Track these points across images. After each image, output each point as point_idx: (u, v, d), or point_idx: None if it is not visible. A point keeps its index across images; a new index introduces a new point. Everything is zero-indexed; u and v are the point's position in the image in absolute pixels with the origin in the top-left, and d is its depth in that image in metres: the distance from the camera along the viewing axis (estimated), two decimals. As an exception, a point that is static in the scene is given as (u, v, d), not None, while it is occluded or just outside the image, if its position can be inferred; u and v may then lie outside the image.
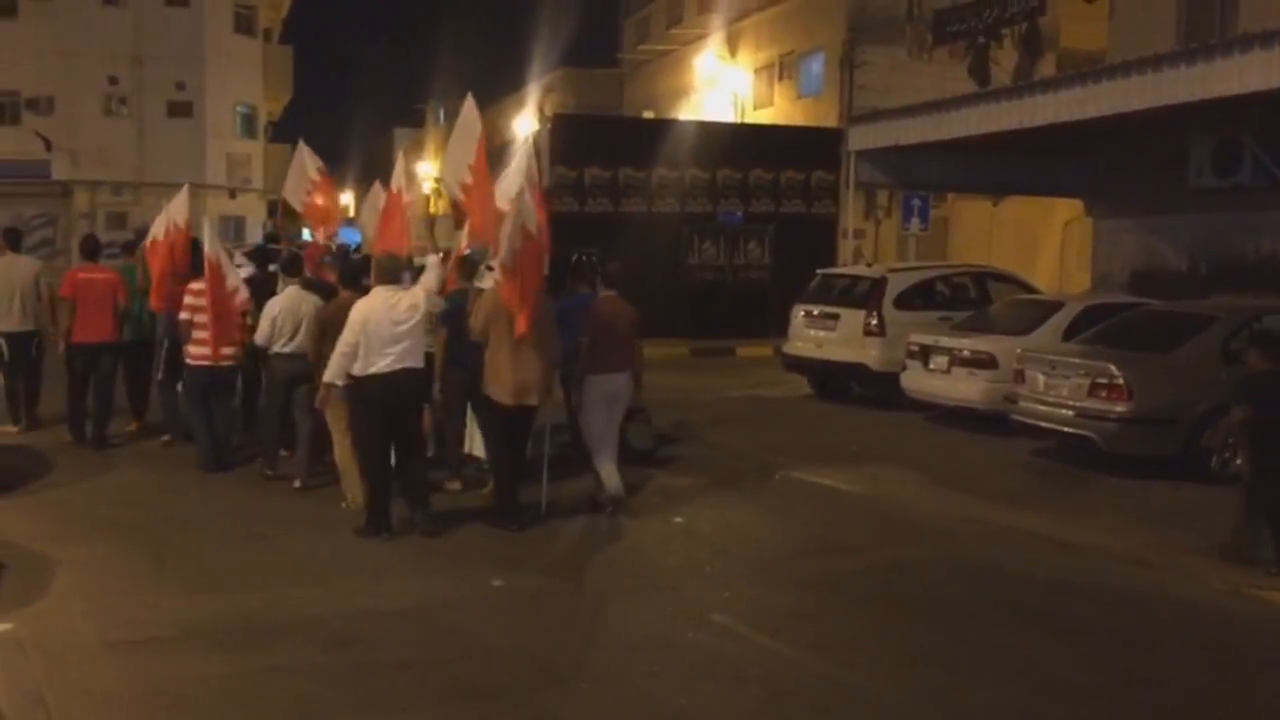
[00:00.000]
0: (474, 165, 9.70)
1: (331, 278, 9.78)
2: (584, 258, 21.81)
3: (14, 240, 11.82)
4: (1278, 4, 14.55)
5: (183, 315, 9.84)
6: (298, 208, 13.23)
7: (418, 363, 7.93)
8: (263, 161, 38.66)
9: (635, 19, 41.21)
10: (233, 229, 34.10)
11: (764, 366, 17.73)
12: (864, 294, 14.69)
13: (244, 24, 38.27)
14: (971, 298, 15.13)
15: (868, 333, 14.15)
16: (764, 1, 32.57)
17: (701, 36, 35.62)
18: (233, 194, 37.36)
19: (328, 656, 5.72)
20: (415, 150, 63.02)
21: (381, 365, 7.73)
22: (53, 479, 9.50)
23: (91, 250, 11.34)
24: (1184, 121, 14.72)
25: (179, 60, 35.85)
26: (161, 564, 7.29)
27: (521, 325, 7.90)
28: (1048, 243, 25.16)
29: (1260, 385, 7.56)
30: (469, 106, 10.22)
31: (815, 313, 15.05)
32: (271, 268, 10.43)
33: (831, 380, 15.16)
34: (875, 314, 14.18)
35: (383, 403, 7.83)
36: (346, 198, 70.96)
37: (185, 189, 11.32)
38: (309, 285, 9.64)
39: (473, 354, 8.36)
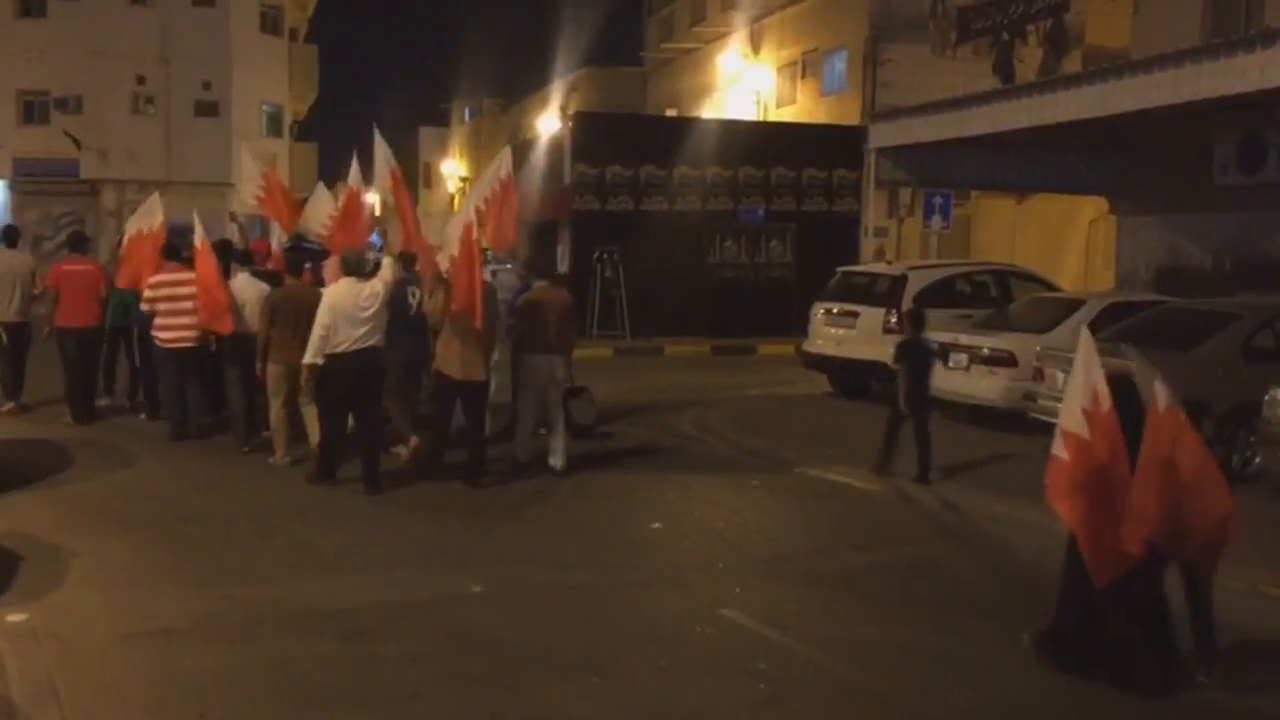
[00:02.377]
0: (391, 186, 10.53)
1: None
2: (605, 255, 21.99)
3: (11, 237, 12.69)
4: (1305, -1, 14.40)
5: (144, 306, 11.08)
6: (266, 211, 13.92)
7: (377, 343, 9.13)
8: (288, 160, 38.86)
9: (658, 17, 41.18)
10: (259, 226, 34.35)
11: (785, 364, 17.70)
12: (884, 292, 14.63)
13: (270, 23, 38.46)
14: (992, 296, 15.04)
15: (887, 331, 14.07)
16: (787, -1, 32.51)
17: (724, 34, 35.58)
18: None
19: (336, 648, 5.76)
20: (440, 149, 63.23)
21: (346, 345, 8.93)
22: (72, 473, 9.60)
23: (76, 245, 12.79)
24: (1209, 118, 14.60)
25: (206, 60, 36.06)
26: (175, 556, 7.36)
27: (467, 304, 8.97)
28: (1072, 241, 24.95)
29: (907, 351, 10.07)
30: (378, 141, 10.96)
31: (835, 310, 15.00)
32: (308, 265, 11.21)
33: (851, 378, 15.10)
34: (895, 312, 14.11)
35: (346, 376, 9.00)
36: (372, 197, 71.30)
37: (155, 196, 12.36)
38: (257, 274, 10.84)
39: (407, 338, 9.68)
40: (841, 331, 14.79)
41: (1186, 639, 5.50)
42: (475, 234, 9.24)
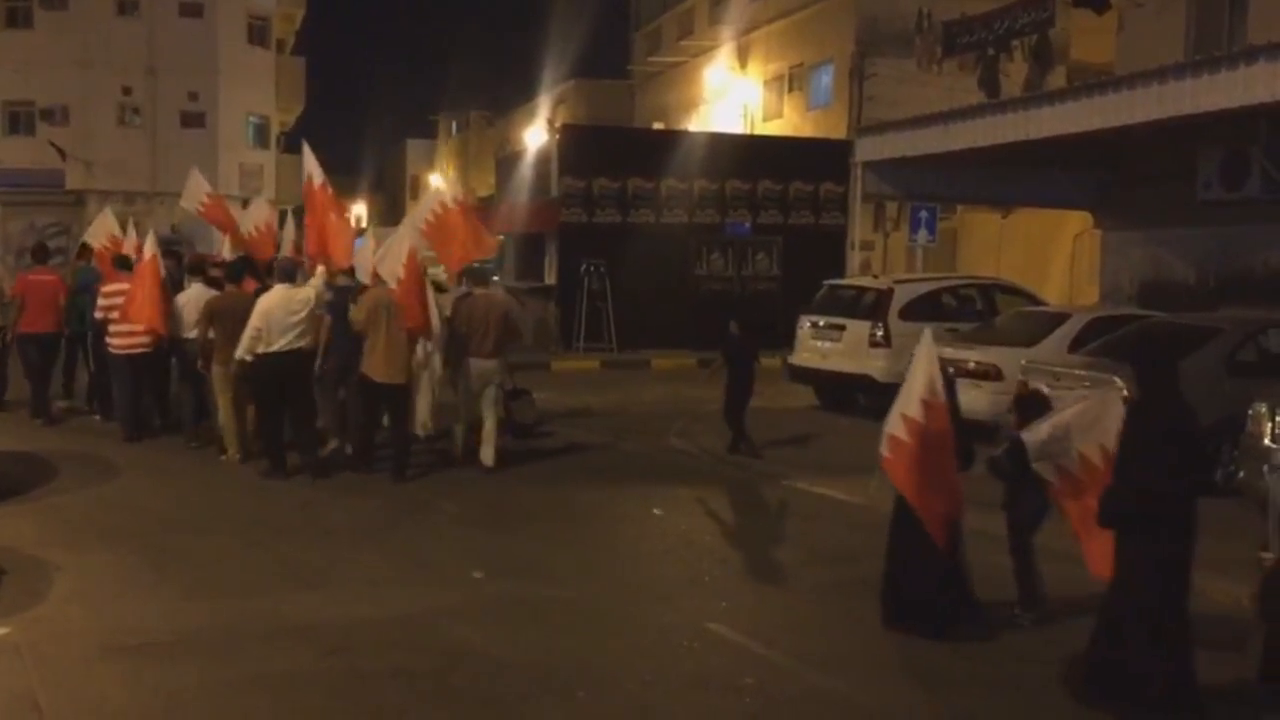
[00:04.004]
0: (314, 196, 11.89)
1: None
2: (591, 268, 22.00)
3: None
4: (1286, 16, 14.52)
5: (98, 314, 11.73)
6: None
7: (306, 345, 9.89)
8: (274, 172, 38.80)
9: (646, 31, 41.32)
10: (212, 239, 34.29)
11: (771, 378, 17.66)
12: (870, 305, 14.67)
13: (257, 35, 38.44)
14: (978, 309, 15.09)
15: (873, 344, 14.13)
16: (774, 14, 32.63)
17: (712, 48, 35.70)
18: (245, 204, 37.47)
19: (321, 663, 5.73)
20: (427, 161, 63.24)
21: (277, 346, 9.73)
22: (56, 485, 9.55)
23: (40, 255, 13.41)
24: (1192, 134, 14.68)
25: (192, 71, 36.03)
26: (160, 570, 7.32)
27: (420, 322, 9.99)
28: (1057, 255, 25.06)
29: (730, 343, 11.84)
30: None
31: (821, 324, 15.04)
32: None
33: (837, 391, 15.13)
34: (881, 325, 14.15)
35: (275, 374, 9.79)
36: (360, 209, 71.19)
37: (106, 212, 13.51)
38: (209, 283, 11.42)
39: (345, 342, 10.23)
40: (827, 345, 14.82)
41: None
42: (418, 257, 10.26)
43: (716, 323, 21.77)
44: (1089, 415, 6.04)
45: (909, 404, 6.30)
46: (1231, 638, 6.07)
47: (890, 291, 14.66)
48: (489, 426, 10.55)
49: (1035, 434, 6.17)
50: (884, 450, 6.39)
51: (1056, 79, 24.05)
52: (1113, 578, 5.50)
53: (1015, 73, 24.71)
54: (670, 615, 6.69)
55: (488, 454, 10.51)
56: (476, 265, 11.92)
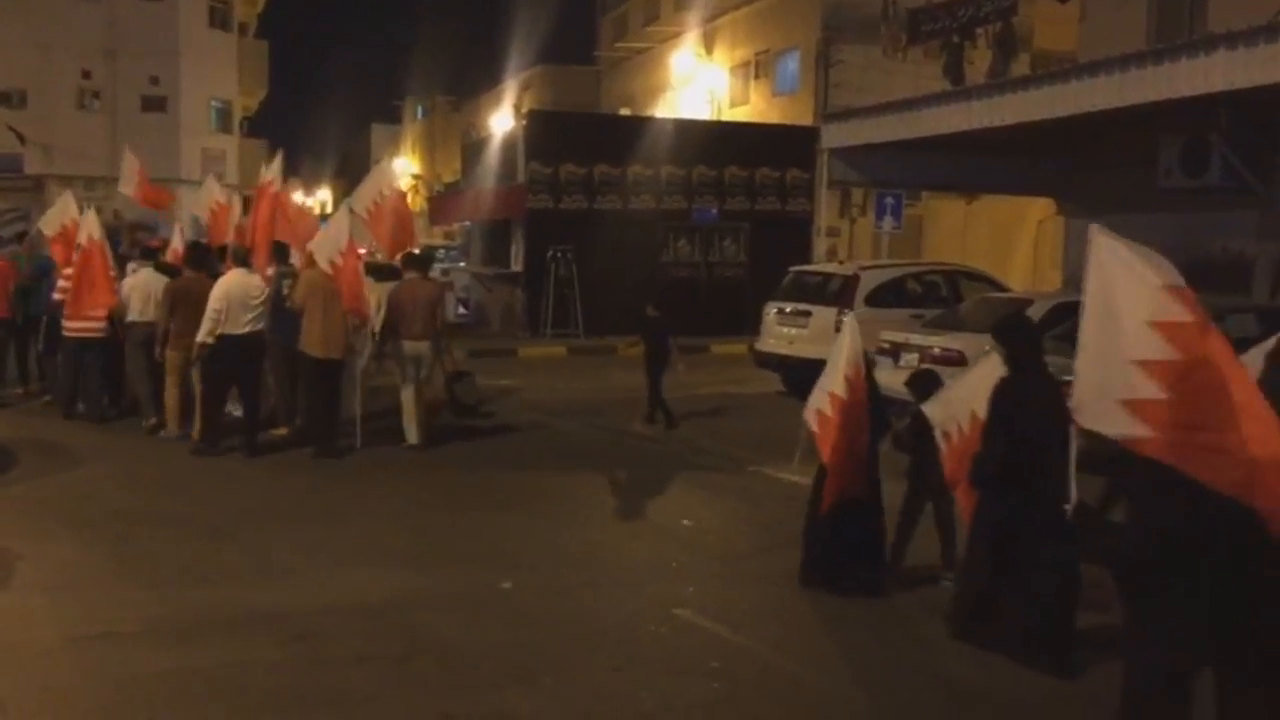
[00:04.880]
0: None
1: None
2: (559, 254, 21.95)
3: None
4: (1246, 5, 14.66)
5: (56, 295, 11.96)
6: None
7: (262, 328, 10.36)
8: (237, 156, 38.45)
9: (612, 16, 41.23)
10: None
11: (738, 364, 17.75)
12: (836, 291, 14.73)
13: (219, 18, 38.04)
14: (943, 295, 15.19)
15: (839, 330, 14.17)
16: (740, 0, 32.64)
17: (678, 34, 35.68)
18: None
19: (286, 651, 5.71)
20: (392, 146, 62.82)
21: (236, 329, 10.12)
22: (15, 474, 9.44)
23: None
24: (1153, 122, 14.83)
25: (153, 54, 35.61)
26: (122, 559, 7.26)
27: (357, 306, 10.44)
28: (1022, 241, 25.28)
29: (647, 325, 12.79)
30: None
31: (787, 310, 15.09)
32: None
33: (803, 377, 15.09)
34: (847, 311, 14.20)
35: (234, 355, 10.17)
36: (324, 194, 70.57)
37: (66, 195, 13.30)
38: (159, 268, 11.61)
39: (288, 327, 10.56)
40: (794, 331, 14.87)
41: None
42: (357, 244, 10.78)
43: (683, 309, 22.19)
44: (970, 384, 6.46)
45: (835, 382, 6.70)
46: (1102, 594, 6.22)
47: (856, 278, 14.73)
48: (409, 405, 10.92)
49: (932, 406, 6.68)
50: (812, 425, 6.80)
51: (1020, 67, 24.20)
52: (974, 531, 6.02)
53: (979, 60, 24.83)
54: (637, 601, 6.71)
55: (411, 432, 10.90)
56: (418, 252, 12.14)
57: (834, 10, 28.33)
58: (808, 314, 14.68)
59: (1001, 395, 5.75)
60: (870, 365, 6.89)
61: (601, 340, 21.34)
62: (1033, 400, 5.62)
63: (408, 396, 10.95)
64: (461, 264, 30.43)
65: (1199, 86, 12.74)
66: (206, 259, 11.24)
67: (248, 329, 10.20)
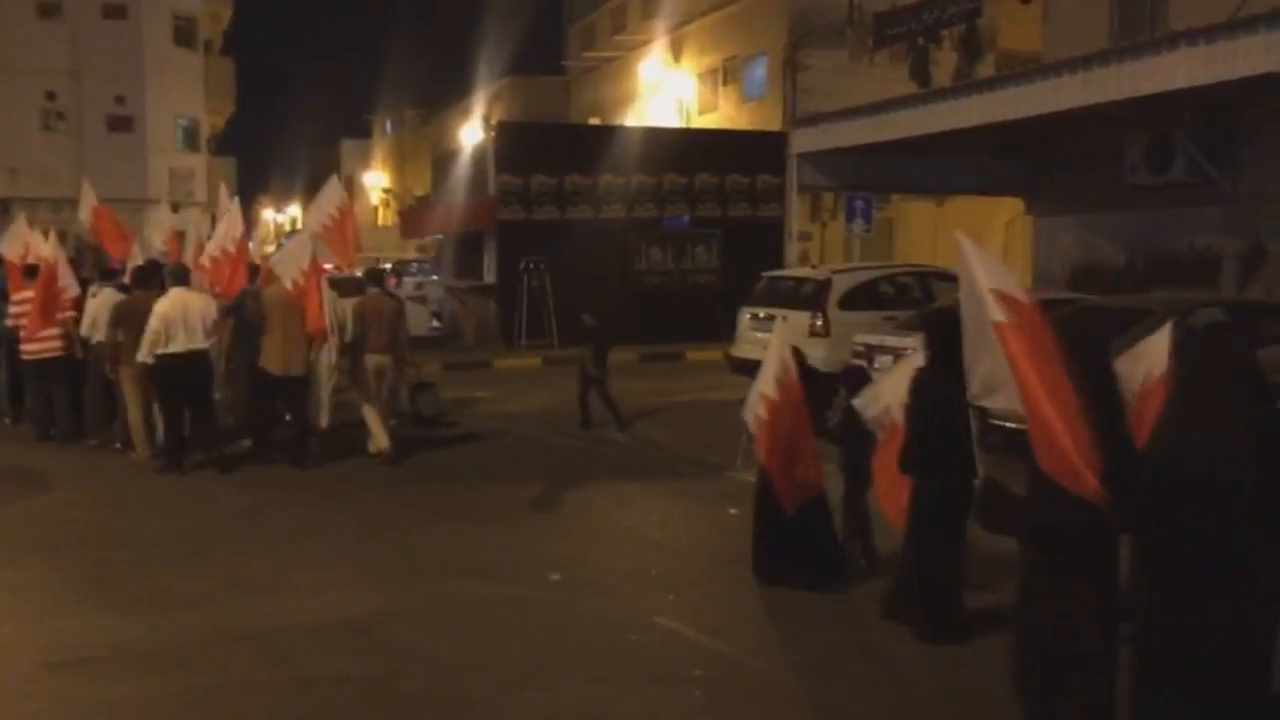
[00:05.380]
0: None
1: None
2: (531, 265, 21.92)
3: None
4: (1206, 3, 14.84)
5: (9, 322, 12.07)
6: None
7: (202, 345, 10.30)
8: (205, 175, 38.22)
9: (580, 26, 41.27)
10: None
11: (713, 370, 17.77)
12: (809, 295, 14.77)
13: (184, 36, 37.79)
14: (916, 297, 15.24)
15: (813, 334, 14.21)
16: (707, 7, 32.73)
17: (646, 42, 35.74)
18: (175, 208, 36.92)
19: (266, 672, 5.66)
20: (362, 161, 62.65)
21: (174, 347, 10.14)
22: (-13, 500, 9.34)
23: None
24: (1118, 120, 14.98)
25: (118, 74, 35.37)
26: (96, 582, 7.18)
27: (319, 325, 10.60)
28: (991, 242, 25.38)
29: (584, 333, 13.09)
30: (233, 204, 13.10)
31: (761, 315, 15.11)
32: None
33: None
34: (820, 315, 14.26)
35: (174, 374, 10.19)
36: (294, 210, 70.15)
37: (20, 219, 13.99)
38: (121, 289, 11.59)
39: (249, 343, 10.74)
40: (768, 336, 14.88)
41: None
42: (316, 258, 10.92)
43: (657, 316, 22.23)
44: (896, 378, 6.74)
45: (766, 385, 6.98)
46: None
47: (828, 282, 14.77)
48: (374, 416, 11.02)
49: (863, 401, 6.94)
50: (753, 429, 7.08)
51: (985, 68, 24.39)
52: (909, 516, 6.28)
53: (945, 62, 25.01)
54: (617, 610, 6.70)
55: (381, 441, 10.98)
56: (383, 266, 12.57)
57: (801, 15, 28.44)
58: (782, 318, 14.70)
59: (917, 384, 6.13)
60: (804, 363, 7.18)
61: (577, 350, 21.32)
62: (945, 387, 5.82)
63: (371, 409, 11.04)
64: (434, 277, 30.35)
65: (1162, 84, 12.88)
66: (154, 279, 11.33)
67: (188, 348, 10.21)
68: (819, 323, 14.19)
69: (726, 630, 6.34)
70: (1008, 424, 5.90)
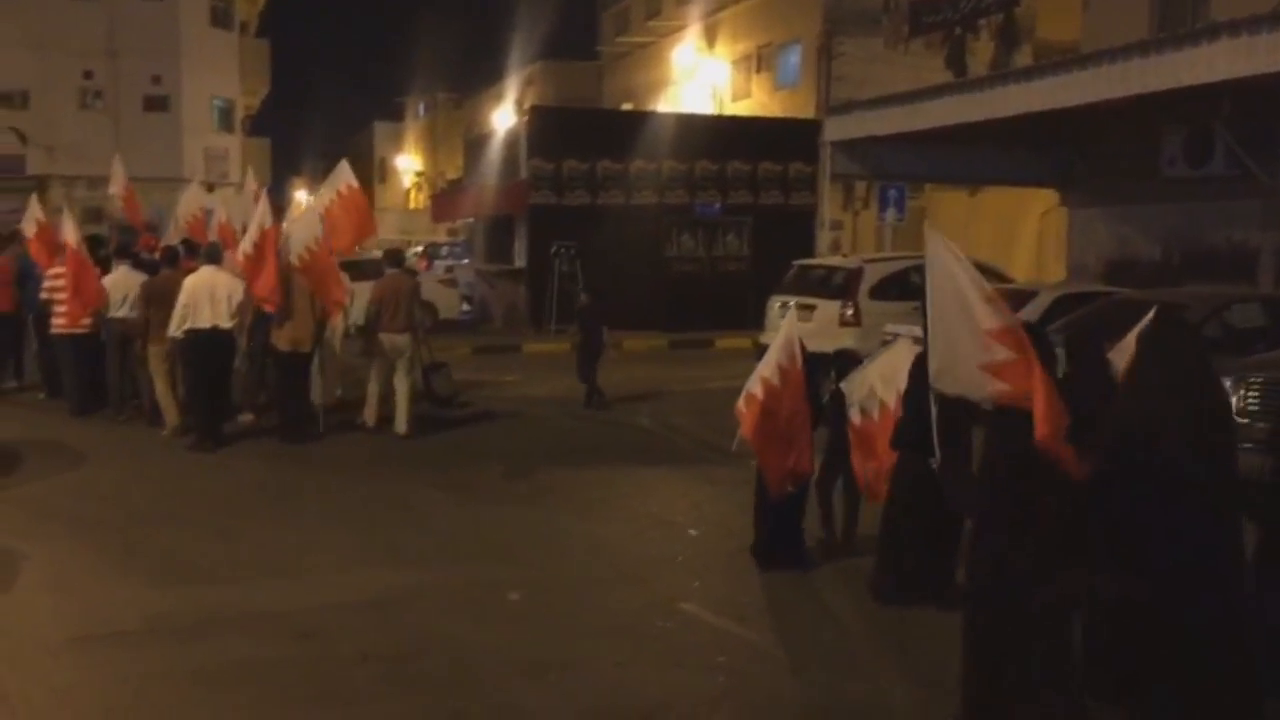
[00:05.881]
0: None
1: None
2: (561, 250, 21.94)
3: None
4: (1248, -7, 14.62)
5: (43, 295, 12.32)
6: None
7: (226, 324, 10.53)
8: (240, 155, 38.43)
9: (613, 11, 41.16)
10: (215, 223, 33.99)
11: (742, 358, 17.68)
12: (840, 284, 14.71)
13: (220, 17, 37.97)
14: (947, 288, 15.15)
15: (843, 323, 14.18)
16: (742, -7, 32.59)
17: (680, 28, 35.62)
18: (210, 188, 37.16)
19: (291, 649, 5.71)
20: (394, 144, 62.82)
21: (200, 323, 10.39)
22: (21, 475, 9.45)
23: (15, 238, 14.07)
24: (1156, 111, 14.79)
25: (155, 54, 35.56)
26: (127, 558, 7.26)
27: (324, 292, 10.92)
28: (1025, 233, 25.21)
29: (583, 312, 13.85)
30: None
31: (791, 304, 15.04)
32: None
33: (808, 371, 15.13)
34: (851, 304, 14.21)
35: (200, 349, 10.44)
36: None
37: (32, 198, 14.38)
38: (137, 265, 12.06)
39: (265, 322, 11.04)
40: (798, 325, 14.83)
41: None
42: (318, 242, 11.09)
43: (687, 303, 22.21)
44: (889, 366, 6.92)
45: (767, 368, 7.10)
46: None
47: (860, 270, 14.71)
48: (402, 396, 11.30)
49: (851, 385, 7.19)
50: (739, 405, 7.18)
51: (1023, 58, 24.10)
52: (890, 493, 6.58)
53: (982, 52, 24.76)
54: (642, 595, 6.70)
55: (400, 422, 11.26)
56: (399, 248, 13.22)
57: (836, 3, 28.25)
58: (812, 307, 14.65)
59: (915, 368, 6.21)
60: (807, 355, 7.24)
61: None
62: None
63: (401, 388, 11.33)
64: (465, 260, 30.43)
65: (1202, 76, 12.69)
66: (176, 260, 11.65)
67: (213, 324, 10.44)
68: (850, 312, 14.15)
69: (752, 618, 6.33)
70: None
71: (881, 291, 14.38)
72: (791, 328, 7.30)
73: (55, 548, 7.40)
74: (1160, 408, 4.42)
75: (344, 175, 12.29)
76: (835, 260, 17.00)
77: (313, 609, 6.28)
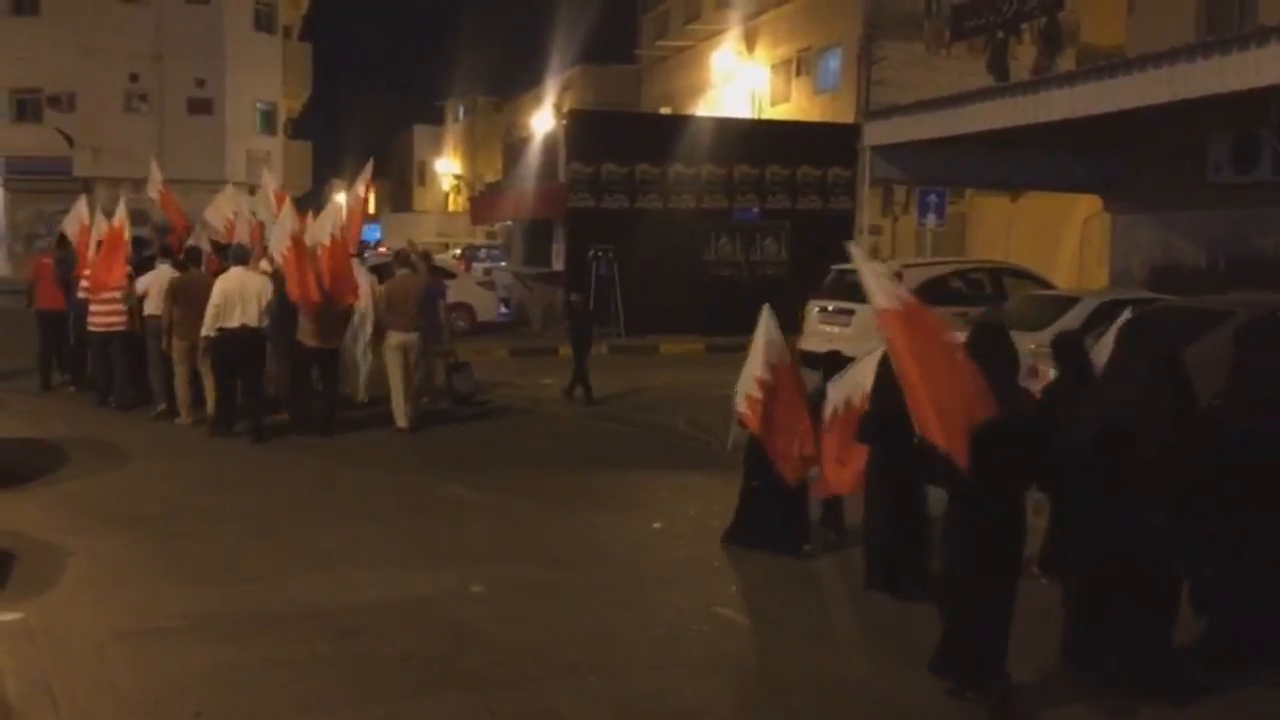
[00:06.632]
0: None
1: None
2: (600, 253, 21.98)
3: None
4: (1298, -3, 14.44)
5: (80, 294, 12.62)
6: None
7: (256, 324, 10.84)
8: (282, 158, 38.82)
9: (653, 15, 41.17)
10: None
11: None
12: (878, 290, 14.61)
13: (264, 21, 38.40)
14: (987, 293, 15.05)
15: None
16: (782, -3, 32.49)
17: (719, 32, 35.55)
18: (252, 190, 37.53)
19: (332, 647, 5.75)
20: (434, 147, 63.15)
21: (232, 322, 10.71)
22: (66, 472, 9.58)
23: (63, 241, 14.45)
24: (1202, 116, 14.59)
25: (199, 57, 36.04)
26: (170, 554, 7.35)
27: (338, 283, 11.18)
28: (1067, 238, 24.96)
29: (572, 309, 14.59)
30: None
31: (830, 308, 15.02)
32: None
33: (846, 375, 15.09)
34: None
35: (231, 348, 10.74)
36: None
37: (81, 199, 14.76)
38: (177, 265, 12.05)
39: (285, 318, 11.27)
40: (836, 329, 14.79)
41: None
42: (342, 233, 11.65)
43: (724, 308, 22.19)
44: (865, 368, 7.17)
45: (757, 367, 7.58)
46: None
47: (899, 276, 14.59)
48: (397, 391, 11.68)
49: (834, 385, 7.56)
50: (741, 407, 7.66)
51: (1066, 62, 23.87)
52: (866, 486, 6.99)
53: (1024, 56, 24.54)
54: (679, 599, 6.70)
55: (400, 416, 11.67)
56: (412, 250, 13.74)
57: (876, 7, 28.10)
58: (850, 312, 14.60)
59: (882, 365, 6.49)
60: (795, 346, 7.81)
61: (643, 339, 21.36)
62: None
63: (396, 383, 11.72)
64: (503, 263, 30.54)
65: (1249, 80, 12.50)
66: (196, 261, 12.19)
67: (244, 324, 10.75)
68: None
69: (789, 623, 6.32)
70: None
71: (921, 297, 14.24)
72: (772, 330, 7.71)
73: (99, 544, 7.48)
74: (1134, 395, 5.12)
75: (337, 216, 12.20)
76: (874, 265, 16.88)
77: (353, 608, 6.33)
